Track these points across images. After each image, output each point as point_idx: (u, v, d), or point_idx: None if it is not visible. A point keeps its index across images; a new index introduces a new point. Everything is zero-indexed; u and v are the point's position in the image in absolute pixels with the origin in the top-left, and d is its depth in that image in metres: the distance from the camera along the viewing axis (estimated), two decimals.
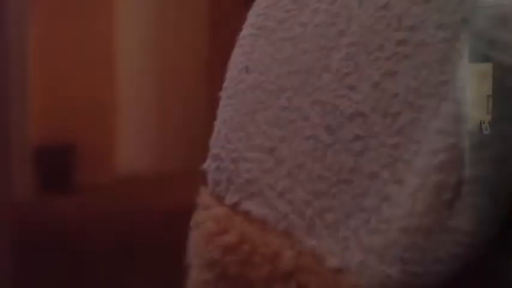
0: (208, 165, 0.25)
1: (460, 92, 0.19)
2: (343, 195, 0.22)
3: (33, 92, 2.01)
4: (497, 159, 0.18)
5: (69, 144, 2.15)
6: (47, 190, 1.96)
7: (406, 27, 0.21)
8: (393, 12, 0.22)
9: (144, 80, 2.36)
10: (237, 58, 0.26)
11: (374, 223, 0.21)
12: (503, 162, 0.18)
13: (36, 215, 1.76)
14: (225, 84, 0.26)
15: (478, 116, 0.18)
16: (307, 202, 0.22)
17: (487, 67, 0.18)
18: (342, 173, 0.22)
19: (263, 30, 0.25)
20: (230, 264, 0.22)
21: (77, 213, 1.81)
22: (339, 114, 0.22)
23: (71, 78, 2.19)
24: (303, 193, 0.22)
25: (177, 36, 2.42)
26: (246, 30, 0.26)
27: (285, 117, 0.23)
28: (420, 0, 0.22)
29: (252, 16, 0.26)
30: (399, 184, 0.20)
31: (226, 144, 0.24)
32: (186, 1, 2.44)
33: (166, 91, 2.41)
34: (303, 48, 0.24)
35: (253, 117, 0.24)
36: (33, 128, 2.04)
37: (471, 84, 0.18)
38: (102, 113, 2.24)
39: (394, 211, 0.20)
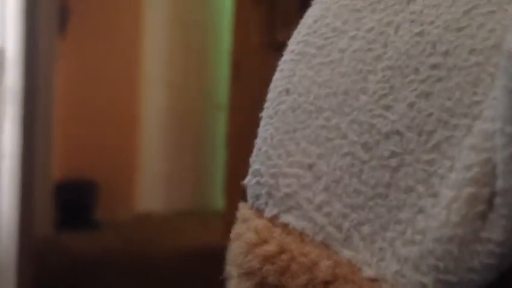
0: (249, 180, 0.27)
1: (493, 110, 0.21)
2: (379, 208, 0.23)
3: (57, 130, 2.05)
4: None
5: (90, 182, 2.17)
6: (68, 226, 1.97)
7: (440, 52, 0.23)
8: (428, 39, 0.23)
9: (165, 122, 2.39)
10: (278, 81, 0.27)
11: (409, 234, 0.22)
12: None
13: (57, 250, 1.77)
14: (266, 105, 0.27)
15: (509, 131, 0.19)
16: (344, 215, 0.23)
17: None
18: (378, 187, 0.23)
19: (303, 56, 0.27)
20: (269, 273, 0.23)
21: (95, 248, 1.81)
22: (376, 133, 0.23)
23: (95, 117, 2.23)
24: (340, 206, 0.24)
25: (198, 79, 2.47)
26: (287, 55, 0.27)
27: (323, 135, 0.25)
28: (454, 27, 0.23)
29: (293, 43, 0.28)
30: (434, 197, 0.21)
31: (267, 160, 0.26)
32: (209, 45, 2.49)
33: (183, 134, 2.44)
34: (341, 72, 0.25)
35: (293, 136, 0.25)
36: (56, 165, 2.07)
37: (503, 101, 0.19)
38: (122, 153, 2.28)
39: (429, 223, 0.21)
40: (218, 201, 2.27)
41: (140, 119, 2.39)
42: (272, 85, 0.27)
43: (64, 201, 2.06)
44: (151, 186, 2.41)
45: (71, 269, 1.71)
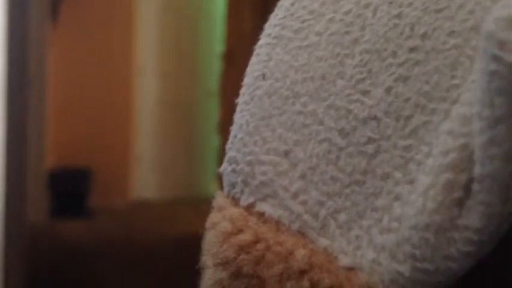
0: (225, 168, 0.26)
1: (471, 94, 0.20)
2: (355, 195, 0.22)
3: (51, 116, 2.04)
4: (507, 156, 0.18)
5: (84, 169, 2.17)
6: (61, 213, 1.97)
7: (418, 35, 0.22)
8: (406, 21, 0.23)
9: (158, 110, 2.38)
10: (254, 66, 0.26)
11: (386, 222, 0.21)
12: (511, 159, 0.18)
13: (50, 238, 1.77)
14: (242, 91, 0.26)
15: (487, 115, 0.19)
16: (320, 203, 0.23)
17: (496, 67, 0.18)
18: (354, 174, 0.22)
19: (279, 40, 0.26)
20: (244, 263, 0.23)
21: (89, 236, 1.81)
22: (353, 118, 0.23)
23: (88, 104, 2.22)
24: (316, 194, 0.23)
25: (190, 66, 2.45)
26: (263, 39, 0.27)
27: (300, 121, 0.24)
28: (432, 9, 0.22)
29: (269, 27, 0.27)
30: (411, 184, 0.21)
31: (242, 147, 0.25)
32: (202, 31, 2.47)
33: (177, 121, 2.43)
34: (318, 56, 0.25)
35: (269, 122, 0.25)
36: (50, 152, 2.06)
37: (481, 85, 0.19)
38: (116, 141, 2.27)
39: (405, 210, 0.21)
40: (212, 188, 2.27)
41: (133, 107, 2.38)
42: (248, 70, 0.27)
43: (58, 189, 2.05)
44: (145, 174, 2.40)
45: (64, 256, 1.71)
